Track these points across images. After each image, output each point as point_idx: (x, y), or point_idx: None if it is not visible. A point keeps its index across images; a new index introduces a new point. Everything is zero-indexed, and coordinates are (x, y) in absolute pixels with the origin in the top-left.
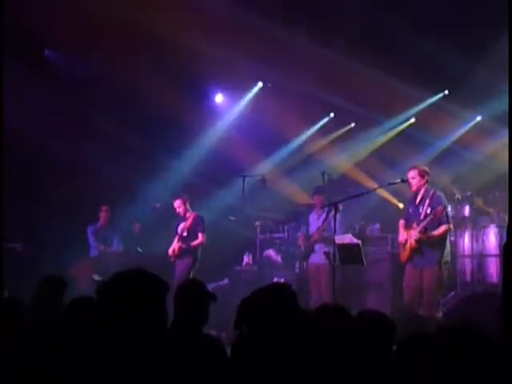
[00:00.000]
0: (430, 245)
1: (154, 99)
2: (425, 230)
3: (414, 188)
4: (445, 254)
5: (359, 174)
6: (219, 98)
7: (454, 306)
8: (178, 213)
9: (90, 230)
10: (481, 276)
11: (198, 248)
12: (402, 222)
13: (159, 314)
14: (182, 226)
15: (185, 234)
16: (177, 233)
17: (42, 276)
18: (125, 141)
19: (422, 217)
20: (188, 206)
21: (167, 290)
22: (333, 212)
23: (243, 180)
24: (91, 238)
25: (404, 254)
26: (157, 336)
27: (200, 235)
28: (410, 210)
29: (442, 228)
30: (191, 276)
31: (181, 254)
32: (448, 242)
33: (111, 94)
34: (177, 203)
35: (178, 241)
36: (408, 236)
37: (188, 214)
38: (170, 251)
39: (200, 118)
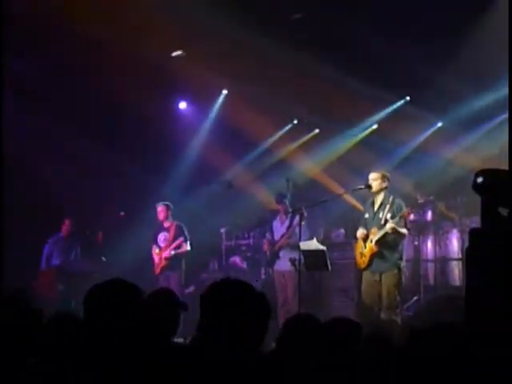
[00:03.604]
0: (390, 248)
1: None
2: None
3: (374, 190)
4: (403, 259)
5: (326, 179)
6: (183, 105)
7: (421, 309)
8: (158, 218)
9: (51, 240)
10: (444, 279)
11: (183, 257)
12: (361, 234)
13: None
14: (163, 236)
15: (170, 244)
16: (156, 243)
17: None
18: (86, 147)
19: (382, 222)
20: (170, 214)
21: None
22: (297, 218)
23: (208, 185)
24: (53, 249)
25: (363, 260)
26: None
27: (184, 244)
28: (368, 216)
29: (404, 230)
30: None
31: (169, 265)
32: (404, 247)
33: (71, 98)
34: (160, 208)
35: (164, 252)
36: (367, 243)
37: (168, 223)
38: (157, 262)
39: (165, 123)
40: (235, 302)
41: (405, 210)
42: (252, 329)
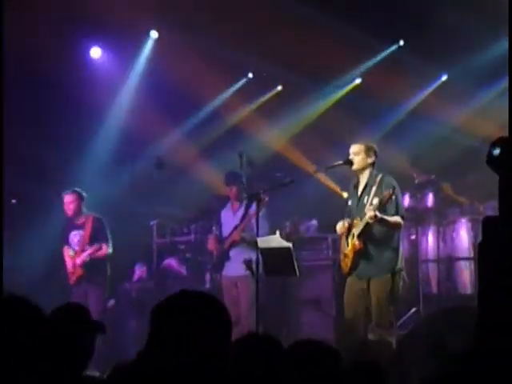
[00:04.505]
0: (379, 244)
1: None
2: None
3: (356, 167)
4: (399, 259)
5: (293, 153)
6: (96, 53)
7: (416, 327)
8: (66, 212)
9: None
10: (450, 286)
11: (106, 263)
12: (341, 227)
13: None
14: (76, 235)
15: (87, 245)
16: (67, 243)
17: None
18: None
19: (366, 210)
20: (83, 205)
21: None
22: (254, 206)
23: (132, 164)
24: None
25: (346, 262)
26: None
27: (104, 245)
28: (351, 203)
29: (396, 218)
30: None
31: (87, 274)
32: (401, 242)
33: None
34: (69, 198)
35: (79, 257)
36: (349, 239)
37: (82, 218)
38: (71, 270)
39: (69, 80)
40: (193, 317)
41: (387, 190)
42: (210, 346)
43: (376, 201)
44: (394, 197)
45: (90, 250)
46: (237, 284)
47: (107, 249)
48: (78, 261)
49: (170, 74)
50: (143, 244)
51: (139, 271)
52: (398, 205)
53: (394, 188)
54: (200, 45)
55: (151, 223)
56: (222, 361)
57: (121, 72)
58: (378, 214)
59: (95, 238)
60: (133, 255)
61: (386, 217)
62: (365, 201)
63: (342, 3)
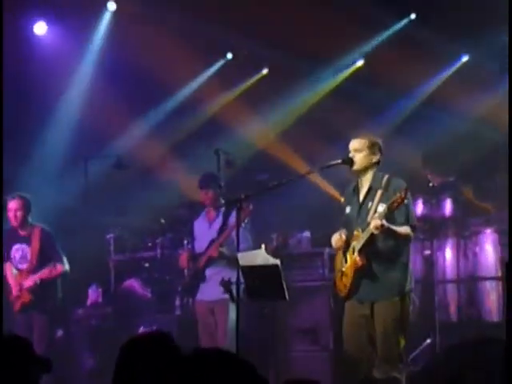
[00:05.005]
0: (385, 261)
1: None
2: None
3: (358, 166)
4: (408, 278)
5: (281, 151)
6: (40, 28)
7: (432, 363)
8: (11, 220)
9: None
10: (473, 312)
11: (58, 284)
12: (338, 239)
13: None
14: (19, 250)
15: (34, 263)
16: (8, 258)
17: None
18: None
19: (369, 219)
20: (28, 214)
21: None
22: (235, 214)
23: (85, 164)
24: None
25: (344, 283)
26: None
27: (58, 264)
28: (349, 210)
29: (406, 229)
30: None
31: (35, 300)
32: (411, 258)
33: None
34: (13, 204)
35: (25, 279)
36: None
37: (28, 229)
38: (16, 293)
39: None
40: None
41: (399, 192)
42: None
43: (382, 208)
44: (406, 201)
45: (43, 273)
46: (213, 310)
47: (62, 266)
48: (27, 284)
49: (133, 56)
50: (98, 261)
51: (94, 294)
52: (408, 212)
53: (406, 189)
54: (168, 19)
55: (108, 236)
56: None
57: (72, 53)
58: (385, 223)
59: (45, 254)
60: (86, 275)
61: (394, 227)
62: (368, 207)
63: None
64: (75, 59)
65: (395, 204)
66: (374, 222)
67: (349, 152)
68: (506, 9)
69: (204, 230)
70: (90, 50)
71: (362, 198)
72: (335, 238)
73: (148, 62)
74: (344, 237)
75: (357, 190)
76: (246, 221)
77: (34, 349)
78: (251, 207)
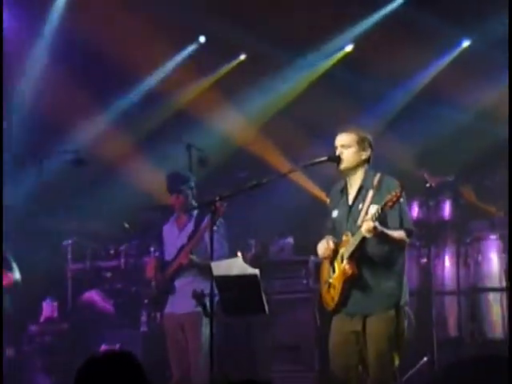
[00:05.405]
0: (378, 270)
1: None
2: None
3: (346, 164)
4: (404, 289)
5: (261, 147)
6: None
7: (429, 383)
8: None
9: None
10: (474, 327)
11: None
12: (325, 247)
13: None
14: None
15: None
16: None
17: None
18: None
19: (360, 222)
20: None
21: None
22: (208, 219)
23: (40, 161)
24: None
25: (332, 296)
26: None
27: (9, 274)
28: (337, 214)
29: (400, 233)
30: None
31: None
32: (406, 267)
33: None
34: None
35: None
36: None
37: None
38: None
39: None
40: None
41: (392, 192)
42: None
43: (374, 208)
44: (401, 199)
45: None
46: (184, 325)
47: (13, 275)
48: None
49: (93, 39)
50: (54, 271)
51: (48, 308)
52: (402, 214)
53: (401, 188)
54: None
55: (65, 243)
56: None
57: (24, 35)
58: (378, 225)
59: None
60: (40, 286)
61: (388, 231)
62: (358, 209)
63: None
64: (27, 43)
65: (390, 203)
66: (366, 225)
67: (336, 148)
68: None
69: (173, 236)
70: (45, 32)
71: (351, 199)
72: (322, 246)
73: (110, 46)
74: (332, 245)
75: (345, 191)
76: (220, 225)
77: None
78: (225, 205)
